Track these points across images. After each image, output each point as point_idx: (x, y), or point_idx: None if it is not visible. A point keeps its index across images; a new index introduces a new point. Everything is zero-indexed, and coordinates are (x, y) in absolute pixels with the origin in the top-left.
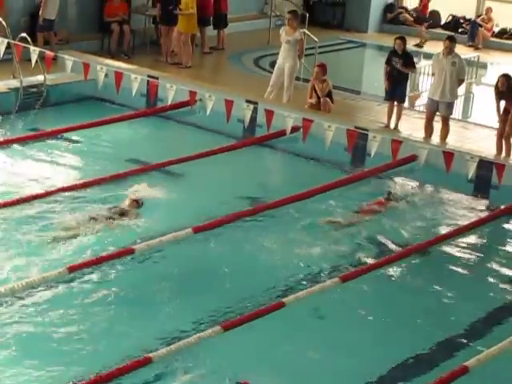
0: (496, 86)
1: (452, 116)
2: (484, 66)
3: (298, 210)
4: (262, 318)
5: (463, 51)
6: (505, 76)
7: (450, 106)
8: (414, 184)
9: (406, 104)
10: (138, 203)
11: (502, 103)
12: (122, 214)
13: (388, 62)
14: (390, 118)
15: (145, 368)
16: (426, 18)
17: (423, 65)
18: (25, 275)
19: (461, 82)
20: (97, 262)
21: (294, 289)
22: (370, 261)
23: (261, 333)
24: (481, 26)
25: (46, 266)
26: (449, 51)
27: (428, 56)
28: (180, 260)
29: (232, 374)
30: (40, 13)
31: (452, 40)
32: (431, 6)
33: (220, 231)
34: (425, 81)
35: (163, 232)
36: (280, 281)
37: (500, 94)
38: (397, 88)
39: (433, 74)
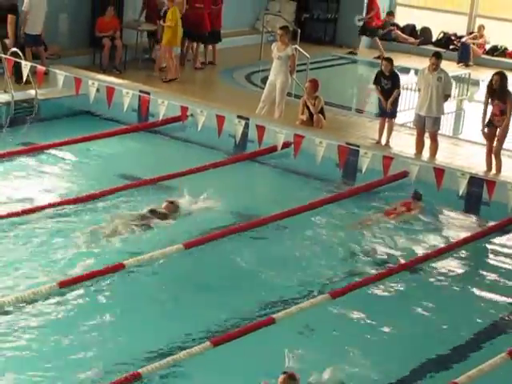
0: (489, 84)
1: (443, 132)
2: (476, 83)
3: (288, 224)
4: (252, 334)
5: (454, 68)
6: (499, 74)
7: (436, 121)
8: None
9: (397, 120)
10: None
11: (489, 110)
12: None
13: (376, 82)
14: (381, 134)
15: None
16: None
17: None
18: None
19: (447, 97)
20: (87, 278)
21: (284, 305)
22: (360, 277)
23: (250, 349)
24: (473, 44)
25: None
26: (435, 68)
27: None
28: (170, 275)
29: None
30: (22, 28)
31: (438, 57)
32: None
33: (211, 247)
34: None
35: (153, 246)
36: (270, 297)
37: (492, 93)
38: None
39: (419, 90)
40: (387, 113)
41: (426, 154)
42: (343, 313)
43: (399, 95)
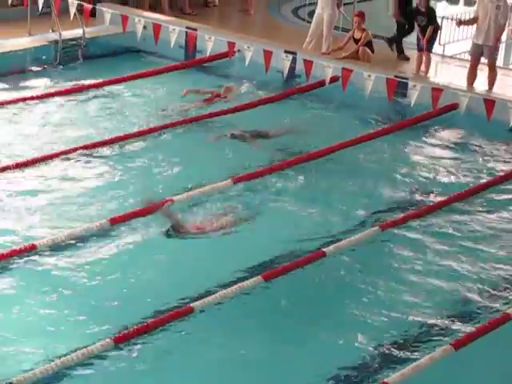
0: None
1: None
2: None
3: (335, 157)
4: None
5: None
6: None
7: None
8: (455, 132)
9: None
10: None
11: None
12: None
13: (415, 19)
14: (418, 68)
15: (187, 317)
16: None
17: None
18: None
19: (504, 26)
20: (138, 214)
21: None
22: (410, 210)
23: (300, 283)
24: None
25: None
26: None
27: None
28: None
29: (272, 321)
30: None
31: None
32: None
33: (260, 182)
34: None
35: (201, 182)
36: (319, 230)
37: None
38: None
39: (475, 18)
40: (423, 48)
41: (476, 85)
42: (393, 244)
43: (437, 31)
